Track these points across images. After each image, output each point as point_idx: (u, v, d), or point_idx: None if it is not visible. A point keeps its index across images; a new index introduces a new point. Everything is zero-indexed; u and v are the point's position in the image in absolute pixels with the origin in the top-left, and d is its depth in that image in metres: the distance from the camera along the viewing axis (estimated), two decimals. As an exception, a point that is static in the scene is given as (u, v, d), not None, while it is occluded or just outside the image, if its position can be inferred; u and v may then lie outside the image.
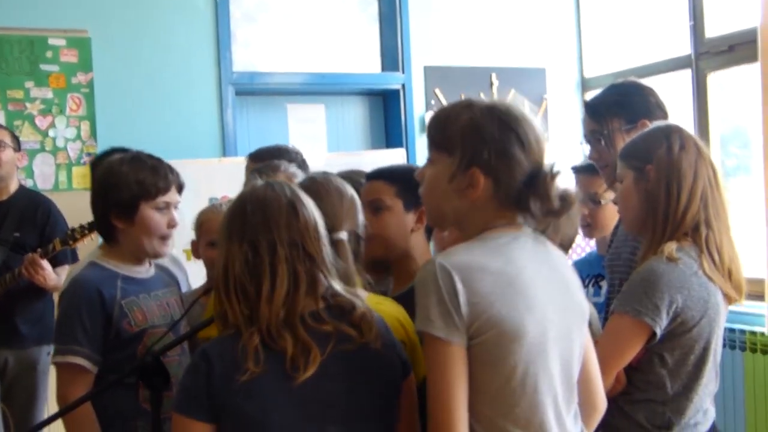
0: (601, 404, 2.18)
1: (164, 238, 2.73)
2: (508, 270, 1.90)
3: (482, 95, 5.94)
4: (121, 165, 2.68)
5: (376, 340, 1.99)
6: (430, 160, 2.06)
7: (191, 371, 1.91)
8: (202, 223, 3.34)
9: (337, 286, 2.02)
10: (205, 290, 2.54)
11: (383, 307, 2.26)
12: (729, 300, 2.47)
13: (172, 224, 2.73)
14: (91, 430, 2.58)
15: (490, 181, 1.95)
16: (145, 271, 2.78)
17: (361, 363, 1.97)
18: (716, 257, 2.41)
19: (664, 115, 2.91)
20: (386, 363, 2.03)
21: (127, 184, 2.65)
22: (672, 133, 2.48)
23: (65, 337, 2.59)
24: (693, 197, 2.40)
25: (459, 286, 1.83)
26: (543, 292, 1.94)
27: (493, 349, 1.85)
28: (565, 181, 2.00)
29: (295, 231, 1.95)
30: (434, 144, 2.06)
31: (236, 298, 1.92)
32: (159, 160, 2.74)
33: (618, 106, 2.89)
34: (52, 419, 2.20)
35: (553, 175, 1.96)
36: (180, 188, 2.78)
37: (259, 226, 1.94)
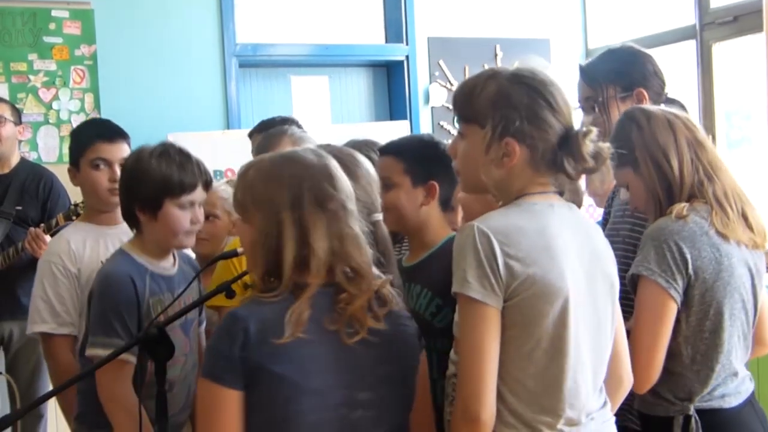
0: (627, 380, 2.20)
1: (188, 233, 2.70)
2: (545, 234, 1.95)
3: (486, 67, 5.96)
4: (150, 158, 2.64)
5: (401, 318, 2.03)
6: (461, 134, 2.08)
7: (223, 336, 1.88)
8: None
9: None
10: (215, 258, 2.52)
11: None
12: (755, 246, 2.41)
13: (195, 221, 2.69)
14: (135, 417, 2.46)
15: (525, 148, 1.98)
16: (171, 266, 2.75)
17: (392, 330, 1.99)
18: (727, 206, 2.37)
19: (662, 83, 2.86)
20: (410, 335, 2.06)
21: (153, 180, 2.61)
22: (633, 112, 2.48)
23: (106, 330, 2.54)
24: (682, 158, 2.38)
25: (497, 248, 1.88)
26: (576, 259, 1.98)
27: (528, 311, 1.90)
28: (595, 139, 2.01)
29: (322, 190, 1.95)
30: (463, 117, 2.08)
31: (286, 266, 1.91)
32: (188, 156, 2.68)
33: (614, 73, 2.84)
34: (57, 391, 2.21)
35: (584, 134, 1.98)
36: (207, 185, 2.73)
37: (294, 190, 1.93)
